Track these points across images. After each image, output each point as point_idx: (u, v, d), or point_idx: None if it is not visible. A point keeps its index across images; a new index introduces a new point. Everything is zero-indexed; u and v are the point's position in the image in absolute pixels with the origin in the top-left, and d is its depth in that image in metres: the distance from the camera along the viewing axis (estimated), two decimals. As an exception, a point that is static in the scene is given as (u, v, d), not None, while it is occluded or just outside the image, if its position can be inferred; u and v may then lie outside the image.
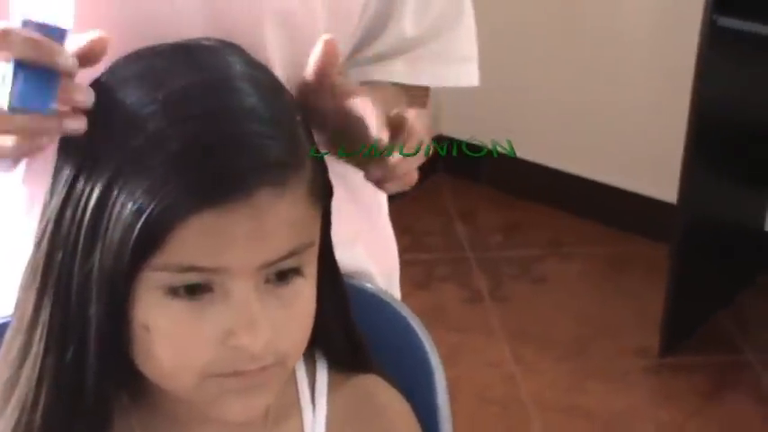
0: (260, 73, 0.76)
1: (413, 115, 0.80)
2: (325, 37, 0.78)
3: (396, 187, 0.82)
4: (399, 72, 1.01)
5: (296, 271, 0.73)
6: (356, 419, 0.86)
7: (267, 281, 0.72)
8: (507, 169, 3.01)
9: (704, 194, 2.30)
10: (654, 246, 2.67)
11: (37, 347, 0.73)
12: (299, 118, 0.74)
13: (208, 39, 0.78)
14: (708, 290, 2.43)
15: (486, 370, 2.33)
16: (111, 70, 0.75)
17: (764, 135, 2.45)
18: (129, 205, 0.68)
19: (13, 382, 0.75)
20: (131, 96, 0.71)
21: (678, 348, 2.35)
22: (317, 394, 0.85)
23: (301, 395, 0.85)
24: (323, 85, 0.79)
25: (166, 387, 0.75)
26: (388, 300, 1.00)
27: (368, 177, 0.80)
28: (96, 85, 0.74)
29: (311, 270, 0.75)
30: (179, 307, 0.70)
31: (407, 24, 1.01)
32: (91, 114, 0.71)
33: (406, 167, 0.80)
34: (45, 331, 0.73)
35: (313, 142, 0.76)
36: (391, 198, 1.15)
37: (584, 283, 2.64)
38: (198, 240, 0.68)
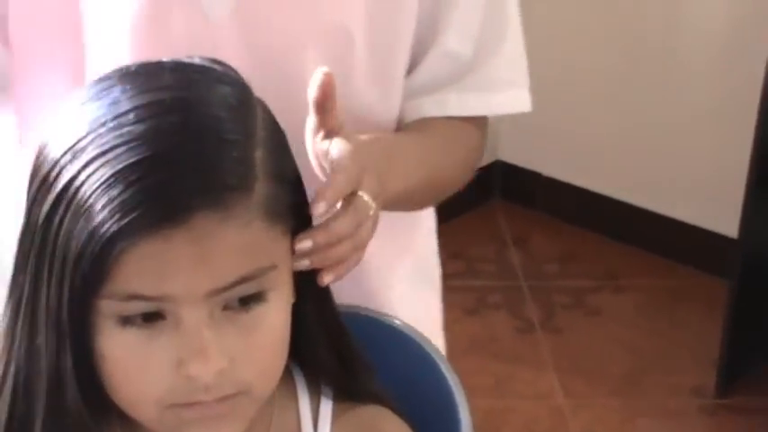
0: (228, 90, 0.73)
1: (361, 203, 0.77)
2: (323, 69, 0.76)
3: (328, 276, 0.77)
4: (452, 104, 1.00)
5: (258, 296, 0.71)
6: None
7: (226, 308, 0.70)
8: (564, 196, 2.96)
9: (766, 229, 2.23)
10: (712, 280, 2.60)
11: (14, 379, 0.73)
12: (262, 138, 0.72)
13: (190, 57, 0.77)
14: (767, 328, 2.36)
15: (534, 402, 2.27)
16: (78, 92, 0.74)
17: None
18: (76, 233, 0.67)
19: None
20: (83, 120, 0.71)
21: (736, 389, 2.27)
22: (320, 425, 0.83)
23: (304, 426, 0.83)
24: (324, 123, 0.78)
25: (133, 417, 0.74)
26: (412, 335, 0.97)
27: (296, 248, 0.75)
28: (65, 105, 0.74)
29: (279, 294, 0.72)
30: (131, 336, 0.69)
31: (452, 40, 0.98)
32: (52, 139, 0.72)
33: (339, 252, 0.75)
34: (19, 358, 0.73)
35: (283, 163, 0.73)
36: (445, 221, 1.14)
37: (639, 317, 2.57)
38: (140, 268, 0.66)
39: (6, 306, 0.74)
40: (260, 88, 0.77)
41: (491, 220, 2.97)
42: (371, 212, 0.77)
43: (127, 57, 0.86)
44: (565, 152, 2.94)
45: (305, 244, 0.73)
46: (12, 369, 0.73)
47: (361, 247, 0.78)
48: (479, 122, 1.05)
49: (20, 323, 0.72)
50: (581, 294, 2.67)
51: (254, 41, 0.89)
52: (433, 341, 1.11)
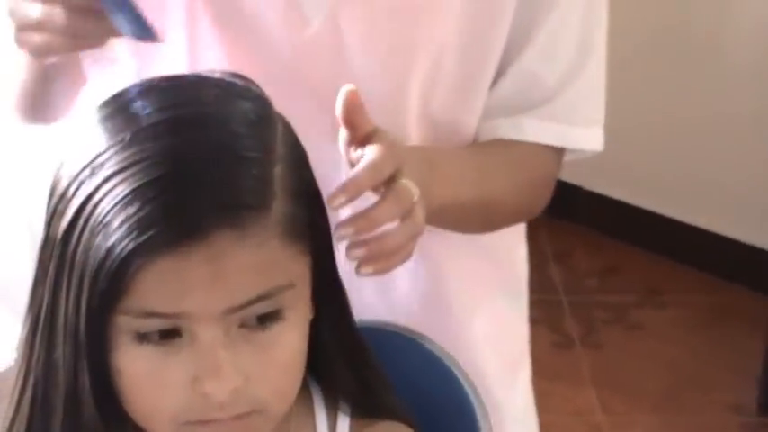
0: (249, 106, 0.73)
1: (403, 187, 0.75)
2: (347, 87, 0.75)
3: (367, 267, 0.75)
4: (527, 129, 0.97)
5: (275, 315, 0.70)
6: None
7: (242, 325, 0.70)
8: (606, 211, 2.93)
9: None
10: (755, 296, 2.56)
11: (32, 391, 0.74)
12: (281, 154, 0.71)
13: (212, 71, 0.77)
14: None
15: (572, 419, 2.25)
16: (99, 105, 0.74)
17: None
18: (94, 249, 0.67)
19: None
20: (103, 135, 0.71)
21: (778, 407, 2.23)
22: None
23: None
24: (355, 136, 0.77)
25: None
26: (433, 349, 0.97)
27: (337, 234, 0.74)
28: (85, 120, 0.74)
29: (296, 313, 0.72)
30: (148, 352, 0.69)
31: (535, 57, 0.96)
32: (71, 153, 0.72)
33: (396, 240, 0.74)
34: (38, 370, 0.73)
35: (303, 179, 0.73)
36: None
37: (680, 333, 2.53)
38: (156, 285, 0.67)
39: (26, 317, 0.75)
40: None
41: (531, 233, 2.92)
42: (416, 198, 0.76)
43: (228, 61, 0.87)
44: (606, 165, 2.89)
45: (346, 230, 0.72)
46: (31, 380, 0.74)
47: (417, 236, 0.77)
48: (555, 152, 1.01)
49: (38, 336, 0.73)
50: (622, 310, 2.64)
51: (346, 47, 0.90)
52: (520, 370, 1.11)
